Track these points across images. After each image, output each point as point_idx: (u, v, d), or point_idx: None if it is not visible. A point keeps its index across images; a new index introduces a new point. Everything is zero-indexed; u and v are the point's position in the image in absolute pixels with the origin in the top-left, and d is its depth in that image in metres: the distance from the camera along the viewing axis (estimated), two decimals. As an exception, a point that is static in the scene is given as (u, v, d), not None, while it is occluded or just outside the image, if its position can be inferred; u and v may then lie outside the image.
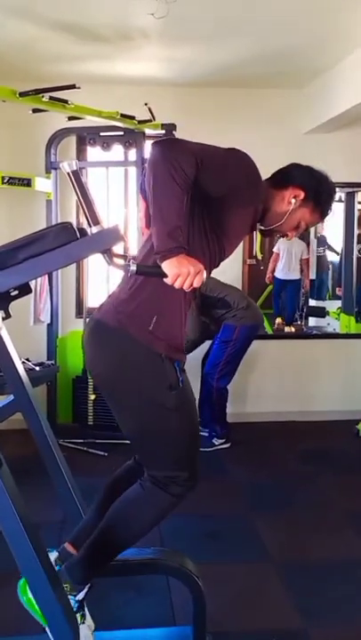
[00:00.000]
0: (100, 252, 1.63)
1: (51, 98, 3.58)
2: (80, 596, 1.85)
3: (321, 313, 6.07)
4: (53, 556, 1.92)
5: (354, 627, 2.39)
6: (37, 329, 4.52)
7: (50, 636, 1.74)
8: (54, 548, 1.99)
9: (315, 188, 1.92)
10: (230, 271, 4.84)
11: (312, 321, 6.05)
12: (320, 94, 4.46)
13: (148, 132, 4.29)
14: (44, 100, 3.55)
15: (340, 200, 5.55)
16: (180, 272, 1.57)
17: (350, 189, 5.25)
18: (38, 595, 1.69)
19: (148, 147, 4.23)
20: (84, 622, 1.84)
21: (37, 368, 4.22)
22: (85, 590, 1.87)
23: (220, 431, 4.35)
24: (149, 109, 4.03)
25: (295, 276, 5.76)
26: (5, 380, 2.08)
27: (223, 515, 3.37)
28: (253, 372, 4.92)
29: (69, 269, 4.66)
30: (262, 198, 1.87)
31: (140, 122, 4.15)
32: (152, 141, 1.68)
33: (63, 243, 1.62)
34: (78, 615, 1.83)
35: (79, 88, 3.58)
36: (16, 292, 1.76)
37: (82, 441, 4.29)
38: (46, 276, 4.28)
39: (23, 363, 2.10)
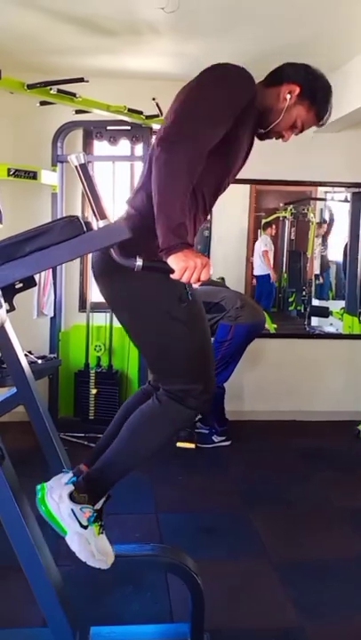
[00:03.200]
0: (106, 247, 1.62)
1: (59, 90, 3.57)
2: (98, 505, 1.86)
3: (324, 313, 6.06)
4: (68, 475, 1.92)
5: (351, 624, 2.40)
6: (40, 322, 4.52)
7: (49, 625, 1.74)
8: (69, 469, 2.00)
9: (310, 84, 1.91)
10: (234, 269, 4.85)
11: (315, 321, 6.04)
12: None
13: (156, 127, 4.27)
14: (51, 92, 3.54)
15: (345, 200, 5.54)
16: (187, 265, 1.57)
17: (356, 189, 5.24)
18: (37, 587, 1.69)
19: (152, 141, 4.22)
20: (103, 532, 1.85)
21: (40, 361, 4.22)
22: (103, 500, 1.88)
23: (219, 428, 4.35)
24: (157, 105, 4.02)
25: (264, 271, 5.74)
26: (8, 373, 2.08)
27: (222, 512, 3.37)
28: (255, 371, 4.91)
29: (73, 263, 4.65)
30: (256, 100, 1.84)
31: (147, 117, 4.14)
32: (155, 138, 1.67)
33: (69, 236, 1.61)
34: (96, 525, 1.83)
35: (87, 81, 3.57)
36: (20, 285, 1.75)
37: (83, 435, 4.29)
38: (50, 270, 4.28)
39: (25, 355, 2.09)
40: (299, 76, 1.91)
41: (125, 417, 1.97)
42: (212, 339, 4.31)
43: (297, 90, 1.89)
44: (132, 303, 1.84)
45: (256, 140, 2.00)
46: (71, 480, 1.89)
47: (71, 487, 1.86)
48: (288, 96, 1.89)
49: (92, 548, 1.81)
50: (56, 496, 1.85)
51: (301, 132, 2.01)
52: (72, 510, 1.82)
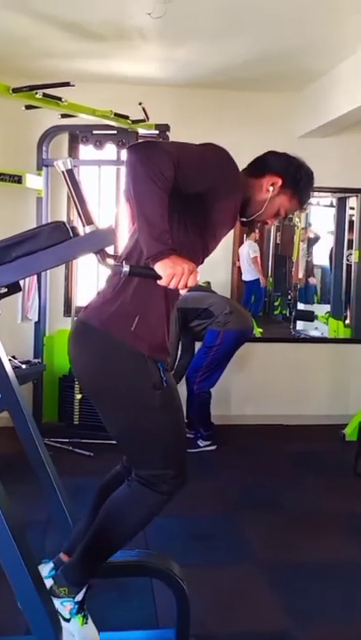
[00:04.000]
0: (93, 253, 1.62)
1: (44, 95, 3.55)
2: (78, 597, 1.85)
3: (309, 317, 6.10)
4: (49, 566, 1.92)
5: (340, 628, 2.40)
6: (25, 327, 4.49)
7: (33, 632, 1.72)
8: (49, 559, 1.98)
9: (292, 175, 1.92)
10: (219, 274, 4.86)
11: (300, 325, 6.08)
12: (316, 99, 4.48)
13: (142, 131, 4.27)
14: (37, 96, 3.51)
15: (331, 205, 5.58)
16: (174, 272, 1.57)
17: (342, 195, 5.28)
18: (22, 597, 1.68)
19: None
20: (87, 622, 1.84)
21: (24, 366, 4.20)
22: (83, 591, 1.86)
23: (205, 433, 4.35)
24: (143, 109, 4.01)
25: (253, 276, 5.76)
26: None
27: (209, 516, 3.37)
28: (241, 375, 4.92)
29: (58, 268, 4.62)
30: (242, 189, 1.86)
31: (133, 121, 4.13)
32: (127, 147, 1.67)
33: (56, 242, 1.60)
34: (79, 616, 1.83)
35: (73, 86, 3.55)
36: (5, 290, 1.74)
37: (67, 440, 4.27)
38: (35, 274, 4.25)
39: (9, 360, 2.07)
40: (281, 167, 1.92)
41: (100, 500, 1.95)
42: (201, 344, 4.32)
43: (279, 182, 1.90)
44: (104, 383, 1.79)
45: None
46: (50, 574, 1.89)
47: (50, 581, 1.86)
48: (271, 188, 1.90)
49: (76, 639, 1.81)
50: None
51: (285, 218, 2.06)
52: None
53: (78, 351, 1.84)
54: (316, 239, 6.12)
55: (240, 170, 1.86)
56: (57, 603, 1.81)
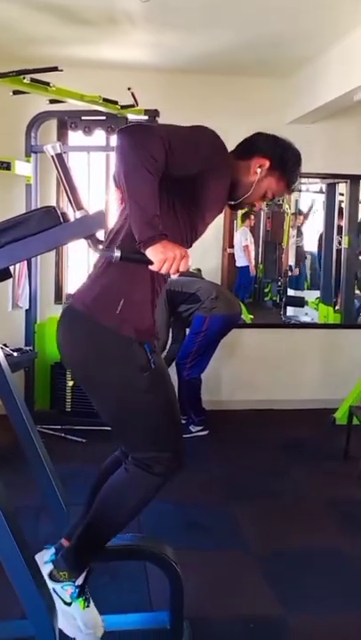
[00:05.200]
0: (83, 238, 1.61)
1: (32, 80, 3.52)
2: (79, 581, 1.86)
3: (300, 303, 6.12)
4: (50, 551, 1.93)
5: (330, 613, 2.43)
6: (15, 314, 4.48)
7: (28, 616, 1.74)
8: (51, 545, 1.99)
9: (280, 156, 1.92)
10: (210, 260, 4.86)
11: (290, 310, 6.09)
12: (304, 84, 4.46)
13: (131, 117, 4.24)
14: (25, 81, 3.49)
15: (321, 191, 5.58)
16: (165, 257, 1.57)
17: (331, 181, 5.28)
18: (17, 583, 1.68)
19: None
20: (89, 606, 1.86)
21: (15, 354, 4.19)
22: (84, 575, 1.88)
23: (196, 418, 4.37)
24: (132, 94, 3.99)
25: (244, 263, 5.77)
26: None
27: (201, 503, 3.39)
28: (231, 361, 4.94)
29: (48, 254, 4.61)
30: (231, 172, 1.86)
31: (122, 107, 4.10)
32: (117, 130, 1.65)
33: (46, 227, 1.59)
34: (80, 600, 1.84)
35: (62, 70, 3.52)
36: (-5, 277, 1.74)
37: (60, 427, 4.28)
38: (25, 261, 4.23)
39: (1, 348, 2.07)
40: (269, 148, 1.91)
41: (99, 485, 1.96)
42: (188, 330, 4.33)
43: (267, 163, 1.90)
44: (91, 368, 1.80)
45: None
46: (50, 559, 1.90)
47: (50, 566, 1.87)
48: (258, 170, 1.89)
49: (78, 623, 1.83)
50: None
51: (272, 200, 2.04)
52: (53, 589, 1.82)
53: (65, 337, 1.85)
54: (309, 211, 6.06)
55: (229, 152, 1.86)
56: (58, 587, 1.83)
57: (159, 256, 1.57)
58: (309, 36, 3.79)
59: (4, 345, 4.15)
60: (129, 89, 3.95)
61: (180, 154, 1.65)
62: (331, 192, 5.41)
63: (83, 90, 3.90)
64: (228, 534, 3.06)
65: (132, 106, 4.08)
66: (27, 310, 4.52)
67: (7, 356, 3.97)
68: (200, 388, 4.38)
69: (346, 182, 5.17)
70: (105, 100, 3.98)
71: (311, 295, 6.02)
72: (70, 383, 4.46)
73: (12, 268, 2.11)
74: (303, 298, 6.12)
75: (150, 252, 1.58)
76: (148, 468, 1.81)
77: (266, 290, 6.27)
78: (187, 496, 3.39)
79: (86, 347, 1.78)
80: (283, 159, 1.92)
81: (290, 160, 1.94)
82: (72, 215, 1.61)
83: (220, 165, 1.79)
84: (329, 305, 5.61)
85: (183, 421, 4.33)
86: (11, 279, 3.82)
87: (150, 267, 1.60)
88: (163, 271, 1.59)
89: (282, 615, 2.40)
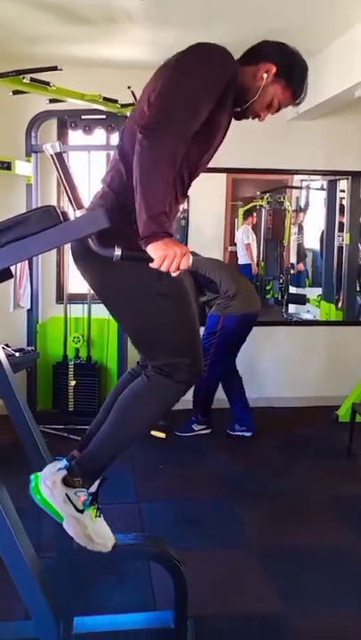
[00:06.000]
0: (84, 237, 1.61)
1: (32, 79, 3.52)
2: (92, 488, 1.85)
3: (301, 300, 6.11)
4: (62, 462, 1.90)
5: (333, 611, 2.43)
6: (17, 314, 4.48)
7: (32, 617, 1.73)
8: (62, 457, 1.96)
9: (287, 62, 1.91)
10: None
11: (292, 308, 6.08)
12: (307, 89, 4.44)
13: (131, 116, 4.23)
14: (25, 81, 3.49)
15: (321, 188, 5.57)
16: (166, 254, 1.57)
17: (333, 177, 5.27)
18: (19, 579, 1.68)
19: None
20: (100, 516, 1.85)
21: (17, 354, 4.19)
22: (98, 483, 1.87)
23: (202, 418, 4.33)
24: (132, 93, 3.98)
25: (246, 261, 5.76)
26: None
27: (203, 501, 3.39)
28: (234, 359, 4.93)
29: (50, 254, 4.61)
30: (235, 78, 1.83)
31: (122, 105, 4.10)
32: (140, 126, 1.63)
33: (46, 227, 1.59)
34: (92, 508, 1.83)
35: (61, 70, 3.52)
36: (-4, 277, 1.73)
37: (62, 427, 4.28)
38: (26, 261, 4.23)
39: (2, 348, 2.07)
40: (275, 54, 1.90)
41: (115, 401, 1.96)
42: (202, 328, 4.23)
43: (273, 69, 1.88)
44: (114, 286, 1.83)
45: (233, 130, 1.98)
46: (64, 465, 1.88)
47: (64, 472, 1.84)
48: (265, 75, 1.88)
49: (89, 531, 1.80)
50: (49, 482, 1.83)
51: (278, 111, 1.99)
52: (66, 495, 1.80)
53: (83, 270, 1.88)
54: (306, 207, 6.04)
55: (235, 60, 1.83)
56: (71, 492, 1.81)
57: (160, 253, 1.57)
58: (310, 32, 3.78)
59: (6, 345, 4.15)
60: (129, 87, 3.94)
61: (197, 122, 1.67)
62: (332, 189, 5.40)
63: (82, 89, 3.90)
64: (231, 532, 3.05)
65: (133, 104, 4.07)
66: (28, 310, 4.52)
67: (9, 356, 3.97)
68: (215, 390, 4.28)
69: (347, 179, 5.15)
70: (105, 98, 3.98)
71: (313, 293, 6.01)
72: (73, 383, 4.46)
73: (13, 267, 2.11)
74: (305, 295, 6.11)
75: (151, 249, 1.57)
76: (169, 375, 1.83)
77: (268, 287, 6.26)
78: (189, 493, 3.39)
79: (103, 269, 1.78)
80: (290, 65, 1.91)
81: (296, 68, 1.93)
82: (72, 214, 1.60)
83: (222, 96, 1.77)
84: (331, 302, 5.60)
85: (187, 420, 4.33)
86: (12, 279, 3.81)
87: (151, 264, 1.59)
88: (163, 269, 1.58)
89: (285, 612, 2.40)
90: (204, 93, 1.71)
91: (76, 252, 1.85)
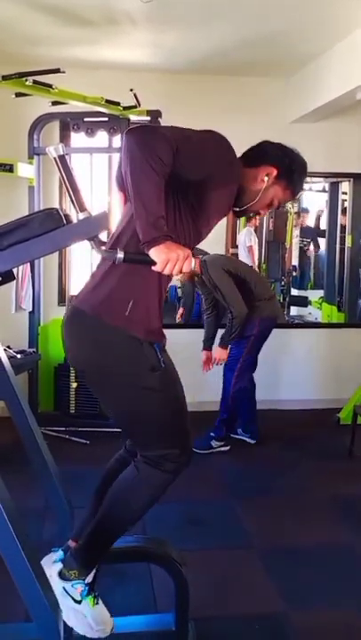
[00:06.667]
0: (86, 240, 1.61)
1: (34, 82, 3.52)
2: (89, 579, 1.86)
3: (303, 302, 6.10)
4: (58, 553, 1.94)
5: (335, 610, 2.44)
6: (19, 316, 4.48)
7: (33, 619, 1.73)
8: (58, 547, 2.00)
9: (287, 166, 1.93)
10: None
11: (294, 310, 6.08)
12: (306, 83, 4.45)
13: (133, 118, 4.24)
14: (27, 83, 3.49)
15: (323, 190, 5.57)
16: (168, 257, 1.57)
17: (334, 179, 5.27)
18: (22, 585, 1.68)
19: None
20: (98, 603, 1.86)
21: (19, 356, 4.19)
22: (93, 573, 1.88)
23: (224, 433, 4.14)
24: (135, 95, 3.99)
25: (247, 262, 5.72)
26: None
27: (205, 501, 3.39)
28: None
29: (52, 256, 4.61)
30: (238, 179, 1.86)
31: (125, 108, 4.11)
32: (125, 131, 1.64)
33: (49, 229, 1.59)
34: (90, 597, 1.84)
35: (64, 72, 3.53)
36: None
37: (64, 429, 4.28)
38: (28, 264, 4.24)
39: (4, 350, 2.07)
40: (276, 157, 1.93)
41: (104, 485, 1.97)
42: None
43: (274, 172, 1.91)
44: (100, 370, 1.81)
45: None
46: (59, 558, 1.90)
47: (60, 565, 1.88)
48: (266, 178, 1.91)
49: (88, 620, 1.82)
50: (46, 575, 1.84)
51: (278, 208, 2.06)
52: (64, 588, 1.83)
53: (72, 339, 1.85)
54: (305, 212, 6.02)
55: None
56: (68, 585, 1.83)
57: (162, 257, 1.57)
58: (311, 34, 3.79)
59: (8, 347, 4.16)
60: (131, 90, 3.95)
61: (188, 157, 1.65)
62: (334, 191, 5.40)
63: (85, 91, 3.90)
64: (232, 532, 3.06)
65: (135, 107, 4.08)
66: (30, 312, 4.53)
67: (11, 357, 3.98)
68: (243, 401, 4.17)
69: (349, 181, 5.16)
70: (107, 101, 3.98)
71: (315, 295, 6.01)
72: (74, 385, 4.46)
73: (15, 270, 2.11)
74: (307, 297, 6.10)
75: (153, 253, 1.58)
76: (157, 466, 1.82)
77: (270, 289, 6.25)
78: (191, 494, 3.39)
79: (95, 347, 1.78)
80: (290, 168, 1.94)
81: (297, 170, 1.96)
82: (75, 217, 1.61)
83: (228, 173, 1.79)
84: (333, 304, 5.60)
85: (248, 439, 4.28)
86: (14, 281, 3.82)
87: (153, 267, 1.59)
88: (166, 272, 1.59)
89: (286, 612, 2.41)
90: (212, 150, 1.74)
91: (73, 316, 1.84)
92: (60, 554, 1.94)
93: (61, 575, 1.85)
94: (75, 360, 1.89)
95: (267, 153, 1.94)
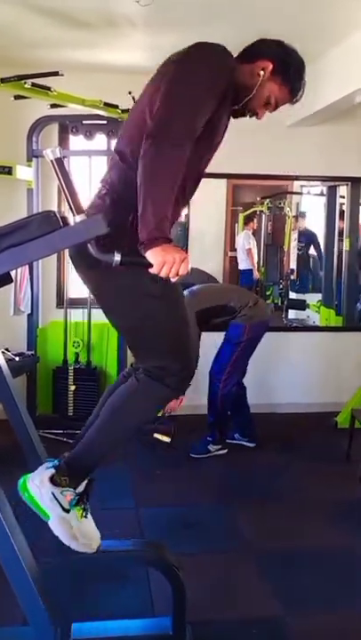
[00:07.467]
0: (83, 242, 1.61)
1: (33, 84, 3.54)
2: (79, 488, 1.86)
3: (301, 306, 6.10)
4: (52, 462, 1.92)
5: (331, 613, 2.44)
6: (17, 319, 4.48)
7: (30, 623, 1.73)
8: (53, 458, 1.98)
9: (282, 59, 1.92)
10: (211, 263, 4.85)
11: (292, 313, 6.08)
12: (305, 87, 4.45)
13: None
14: (26, 86, 3.51)
15: (321, 194, 5.58)
16: (165, 260, 1.57)
17: (332, 183, 5.28)
18: (16, 585, 1.68)
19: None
20: (86, 517, 1.85)
21: (17, 358, 4.19)
22: (85, 483, 1.88)
23: (219, 436, 4.11)
24: (133, 98, 3.98)
25: (247, 266, 5.75)
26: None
27: (202, 505, 3.39)
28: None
29: (50, 259, 4.61)
30: (230, 75, 1.84)
31: (123, 111, 4.11)
32: (146, 134, 1.64)
33: (46, 232, 1.59)
34: (78, 508, 1.84)
35: (62, 75, 3.53)
36: (-4, 282, 1.73)
37: (62, 432, 4.27)
38: (27, 266, 4.24)
39: (2, 353, 2.07)
40: (272, 52, 1.92)
41: (107, 399, 1.98)
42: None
43: (270, 66, 1.89)
44: (110, 287, 1.84)
45: (233, 136, 1.99)
46: (53, 464, 1.89)
47: (52, 471, 1.86)
48: (261, 72, 1.89)
49: (74, 531, 1.81)
50: (37, 481, 1.85)
51: (275, 109, 2.02)
52: (52, 494, 1.82)
53: (84, 274, 1.88)
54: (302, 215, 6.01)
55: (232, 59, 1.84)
56: (57, 491, 1.82)
57: (159, 259, 1.57)
58: (310, 37, 3.78)
59: (6, 349, 4.16)
60: (130, 93, 3.95)
61: (199, 129, 1.68)
62: (332, 194, 5.41)
63: (83, 94, 3.91)
64: (228, 536, 3.06)
65: (133, 110, 4.08)
66: (28, 315, 4.53)
67: (9, 360, 3.98)
68: (231, 403, 4.13)
69: (347, 185, 5.16)
70: (106, 104, 3.99)
71: (313, 298, 6.01)
72: (72, 388, 4.45)
73: (13, 272, 2.11)
74: (305, 301, 6.10)
75: (150, 255, 1.58)
76: (158, 378, 1.84)
77: (268, 293, 6.26)
78: (188, 498, 3.39)
79: (100, 266, 1.76)
80: (285, 62, 1.92)
81: (293, 64, 1.94)
82: (72, 219, 1.60)
83: (223, 95, 1.78)
84: (331, 308, 5.60)
85: (248, 444, 4.26)
86: (12, 284, 3.82)
87: (150, 269, 1.59)
88: (162, 275, 1.59)
89: (283, 615, 2.40)
90: (206, 96, 1.72)
91: (76, 259, 1.86)
92: (54, 462, 1.93)
93: (52, 480, 1.84)
94: (88, 283, 1.92)
95: (262, 47, 1.94)
